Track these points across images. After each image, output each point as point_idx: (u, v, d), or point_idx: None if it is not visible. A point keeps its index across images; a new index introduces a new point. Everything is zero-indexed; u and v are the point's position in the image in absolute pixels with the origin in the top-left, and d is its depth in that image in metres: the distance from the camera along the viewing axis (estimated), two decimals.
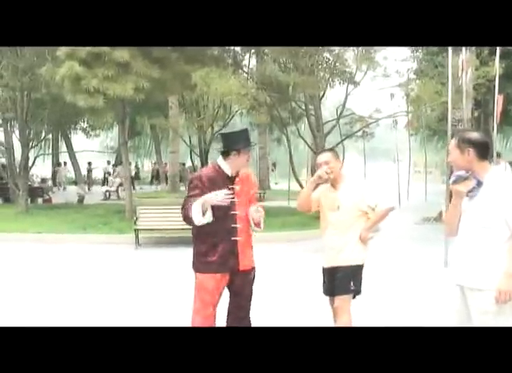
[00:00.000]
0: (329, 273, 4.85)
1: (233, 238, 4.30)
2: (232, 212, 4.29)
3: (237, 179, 4.39)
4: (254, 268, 4.50)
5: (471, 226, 3.50)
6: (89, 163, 32.54)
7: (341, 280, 4.71)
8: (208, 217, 4.19)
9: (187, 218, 4.21)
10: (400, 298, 7.12)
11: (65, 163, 32.85)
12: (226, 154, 4.35)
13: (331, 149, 5.20)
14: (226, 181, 4.31)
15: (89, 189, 29.23)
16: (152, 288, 7.89)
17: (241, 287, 4.39)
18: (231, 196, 4.22)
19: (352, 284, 4.69)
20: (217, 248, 4.26)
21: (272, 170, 34.03)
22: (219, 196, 4.15)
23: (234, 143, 4.32)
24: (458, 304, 3.59)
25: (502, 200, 3.36)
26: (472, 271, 3.46)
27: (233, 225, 4.29)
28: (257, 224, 4.43)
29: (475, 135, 3.54)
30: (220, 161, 4.39)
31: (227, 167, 4.34)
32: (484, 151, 3.50)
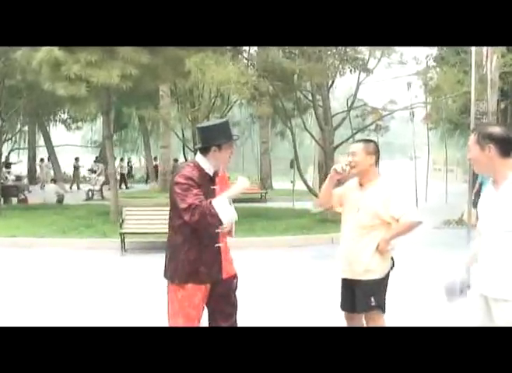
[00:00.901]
0: (345, 285, 4.86)
1: (216, 245, 4.29)
2: None
3: (217, 178, 4.35)
4: (236, 274, 4.49)
5: (493, 231, 3.51)
6: (77, 159, 32.47)
7: (361, 297, 4.72)
8: (235, 214, 4.16)
9: (211, 219, 4.03)
10: (418, 308, 7.13)
11: (49, 159, 32.81)
12: (205, 150, 4.27)
13: (368, 140, 5.01)
14: (208, 181, 4.27)
15: (70, 187, 29.22)
16: (139, 298, 7.88)
17: (225, 294, 4.37)
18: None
19: (372, 299, 4.68)
20: (203, 255, 4.24)
21: (291, 167, 34.02)
22: (246, 184, 4.16)
23: (214, 137, 4.25)
24: (482, 315, 3.61)
25: None
26: (496, 280, 3.47)
27: (216, 230, 4.25)
28: (228, 232, 4.42)
29: (496, 130, 3.55)
30: (199, 158, 4.32)
31: (208, 165, 4.28)
32: (507, 147, 3.51)
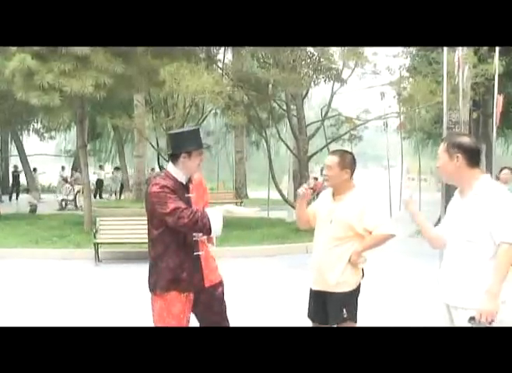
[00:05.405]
0: (316, 297, 4.80)
1: (196, 253, 4.26)
2: None
3: (191, 185, 4.31)
4: (221, 282, 4.46)
5: (457, 240, 3.57)
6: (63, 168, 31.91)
7: (333, 309, 4.67)
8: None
9: (201, 226, 4.05)
10: (389, 316, 7.19)
11: (35, 169, 32.16)
12: (175, 157, 4.24)
13: (344, 153, 4.84)
14: (182, 190, 4.23)
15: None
16: (114, 309, 7.85)
17: (209, 303, 4.34)
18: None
19: (344, 311, 4.64)
20: (184, 264, 4.22)
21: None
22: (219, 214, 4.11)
23: (184, 144, 4.21)
24: (444, 322, 3.69)
25: (488, 210, 3.42)
26: (457, 289, 3.54)
27: (194, 239, 4.24)
28: (209, 240, 4.42)
29: (465, 140, 3.62)
30: (170, 167, 4.29)
31: (180, 174, 4.24)
32: (474, 158, 3.58)
